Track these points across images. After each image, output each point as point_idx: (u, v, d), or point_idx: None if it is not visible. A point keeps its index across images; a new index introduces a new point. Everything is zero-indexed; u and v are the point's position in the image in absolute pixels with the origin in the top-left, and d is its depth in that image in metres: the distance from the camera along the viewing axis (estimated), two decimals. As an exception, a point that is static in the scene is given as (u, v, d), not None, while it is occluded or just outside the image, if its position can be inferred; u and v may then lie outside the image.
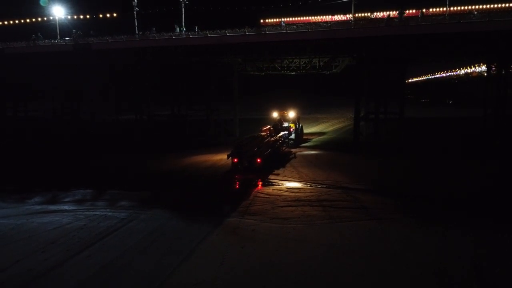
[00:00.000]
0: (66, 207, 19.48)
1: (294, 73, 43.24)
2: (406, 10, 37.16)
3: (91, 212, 18.43)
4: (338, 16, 42.22)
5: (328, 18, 42.50)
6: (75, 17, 48.44)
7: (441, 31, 30.03)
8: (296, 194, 20.67)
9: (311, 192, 20.95)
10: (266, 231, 15.58)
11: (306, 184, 22.82)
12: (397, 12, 32.86)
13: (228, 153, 26.57)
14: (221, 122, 48.37)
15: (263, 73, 44.18)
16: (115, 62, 41.27)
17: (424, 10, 39.27)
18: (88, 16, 48.64)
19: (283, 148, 32.78)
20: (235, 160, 26.05)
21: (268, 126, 34.35)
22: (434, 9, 39.62)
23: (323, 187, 21.98)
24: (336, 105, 73.33)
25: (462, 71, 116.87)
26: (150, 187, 23.59)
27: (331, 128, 52.94)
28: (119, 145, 38.44)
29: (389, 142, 34.45)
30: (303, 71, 41.38)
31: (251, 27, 36.29)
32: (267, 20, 44.69)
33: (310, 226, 16.00)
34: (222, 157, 31.25)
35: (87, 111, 46.25)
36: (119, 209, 18.98)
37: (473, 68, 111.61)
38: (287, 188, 21.84)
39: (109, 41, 39.39)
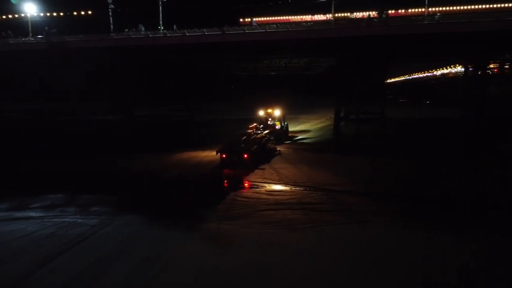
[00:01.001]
0: (33, 214, 18.31)
1: (274, 73, 42.80)
2: (385, 10, 37.08)
3: (60, 219, 17.33)
4: (318, 16, 41.94)
5: (308, 18, 42.14)
6: (48, 14, 46.82)
7: (422, 31, 29.97)
8: (277, 197, 20.02)
9: (292, 195, 20.34)
10: (245, 237, 14.89)
11: (287, 186, 22.21)
12: (377, 12, 32.69)
13: (217, 149, 27.72)
14: (205, 122, 47.61)
15: (245, 73, 43.57)
16: (92, 60, 39.91)
17: (403, 11, 39.32)
18: (62, 14, 47.07)
19: (269, 145, 33.66)
20: (224, 156, 27.35)
21: (255, 124, 35.66)
22: (413, 10, 39.67)
23: (304, 189, 21.41)
24: (319, 105, 73.11)
25: (439, 72, 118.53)
26: (126, 189, 22.61)
27: (314, 127, 52.63)
28: (96, 145, 37.06)
29: (370, 142, 34.30)
30: (283, 72, 40.89)
31: (230, 26, 35.65)
32: (246, 20, 44.03)
33: (291, 231, 15.38)
34: (202, 159, 30.60)
35: (69, 111, 44.82)
36: (91, 215, 17.96)
37: (450, 69, 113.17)
38: (266, 191, 21.15)
39: (84, 39, 38.05)
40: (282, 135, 38.53)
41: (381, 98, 35.88)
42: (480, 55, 33.75)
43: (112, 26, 39.42)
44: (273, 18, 43.04)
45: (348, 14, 40.42)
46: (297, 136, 43.48)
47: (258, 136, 32.02)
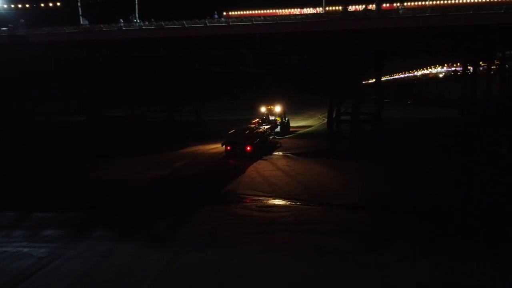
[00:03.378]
0: (-33, 241, 14.82)
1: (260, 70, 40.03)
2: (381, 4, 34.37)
3: (0, 248, 13.89)
4: (308, 9, 39.01)
5: (297, 11, 39.20)
6: (13, 6, 42.64)
7: (426, 24, 27.33)
8: (269, 214, 16.95)
9: (287, 211, 17.30)
10: (233, 271, 11.78)
11: (280, 199, 19.15)
12: (375, 3, 29.86)
13: (222, 142, 30.28)
14: (186, 123, 44.35)
15: (230, 71, 40.61)
16: (59, 56, 36.06)
17: (398, 4, 36.69)
18: (27, 6, 42.97)
19: (271, 139, 36.87)
20: (228, 148, 29.98)
21: (257, 119, 38.98)
22: (410, 3, 37.12)
23: (300, 204, 18.40)
24: (308, 105, 70.77)
25: (419, 73, 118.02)
26: (90, 203, 19.20)
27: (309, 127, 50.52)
28: (57, 151, 33.31)
29: (366, 144, 31.58)
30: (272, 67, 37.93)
31: (214, 18, 32.42)
32: (230, 13, 40.81)
33: (291, 263, 12.31)
34: (181, 165, 27.45)
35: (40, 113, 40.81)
36: (41, 241, 14.50)
37: (430, 70, 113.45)
38: (257, 207, 18.04)
39: (50, 32, 34.17)
40: (282, 130, 41.07)
41: (378, 97, 33.12)
42: (487, 50, 31.32)
43: (81, 19, 35.51)
44: (260, 11, 39.95)
45: (340, 7, 37.58)
46: (298, 131, 45.25)
47: (260, 130, 35.16)
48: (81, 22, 35.11)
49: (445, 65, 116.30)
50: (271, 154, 31.21)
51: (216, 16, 31.46)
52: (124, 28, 32.70)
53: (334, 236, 14.35)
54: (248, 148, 29.62)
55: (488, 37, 28.18)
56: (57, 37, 34.15)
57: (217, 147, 32.68)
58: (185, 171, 26.74)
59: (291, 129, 44.59)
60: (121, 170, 26.70)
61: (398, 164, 26.89)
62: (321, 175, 24.07)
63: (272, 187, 21.45)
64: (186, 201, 19.39)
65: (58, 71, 36.41)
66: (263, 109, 41.92)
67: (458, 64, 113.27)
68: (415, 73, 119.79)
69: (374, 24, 28.89)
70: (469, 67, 39.12)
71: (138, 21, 35.56)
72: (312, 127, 48.73)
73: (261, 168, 26.28)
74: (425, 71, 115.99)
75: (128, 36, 32.08)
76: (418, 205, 17.89)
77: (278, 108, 41.86)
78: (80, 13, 35.47)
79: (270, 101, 42.28)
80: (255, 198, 19.46)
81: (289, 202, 18.66)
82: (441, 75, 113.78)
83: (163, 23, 31.53)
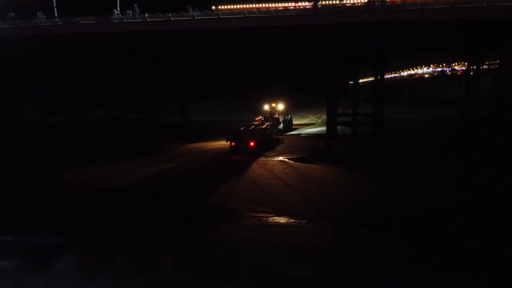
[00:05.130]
0: None
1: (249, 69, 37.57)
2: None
3: None
4: (303, 3, 36.37)
5: (291, 5, 36.55)
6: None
7: (434, 18, 25.05)
8: (270, 237, 14.26)
9: (290, 233, 14.65)
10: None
11: (282, 216, 16.50)
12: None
13: (226, 138, 30.84)
14: (171, 124, 41.46)
15: (219, 69, 38.08)
16: (33, 52, 32.94)
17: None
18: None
19: (273, 135, 38.13)
20: (233, 143, 30.44)
21: (260, 117, 39.51)
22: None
23: (305, 222, 15.80)
24: (305, 105, 68.83)
25: (405, 73, 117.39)
26: (58, 222, 16.28)
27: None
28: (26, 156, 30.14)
29: (366, 148, 29.30)
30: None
31: (202, 11, 29.61)
32: (220, 7, 37.95)
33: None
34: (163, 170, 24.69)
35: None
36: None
37: (416, 70, 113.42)
38: (256, 226, 15.36)
39: (20, 25, 30.98)
40: (285, 126, 42.91)
41: (379, 98, 30.75)
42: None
43: (56, 11, 32.20)
44: (252, 5, 37.15)
45: (337, 1, 35.14)
46: (300, 128, 46.45)
47: (263, 127, 36.34)
48: (55, 14, 31.84)
49: (431, 65, 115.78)
50: (273, 149, 32.39)
51: (190, 10, 28.71)
52: (104, 22, 29.76)
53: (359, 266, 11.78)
54: (252, 143, 30.31)
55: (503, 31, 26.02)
56: (31, 30, 31.05)
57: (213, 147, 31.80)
58: (169, 179, 24.03)
59: (293, 126, 46.15)
60: (96, 178, 23.80)
61: (401, 170, 24.55)
62: (322, 184, 21.57)
63: (272, 199, 18.85)
64: (173, 217, 16.62)
65: (30, 68, 33.27)
66: (266, 107, 43.46)
67: (444, 64, 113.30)
68: (402, 73, 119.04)
69: (377, 17, 26.46)
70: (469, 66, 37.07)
71: (118, 13, 32.57)
72: (312, 126, 48.56)
73: (258, 176, 23.63)
74: (411, 72, 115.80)
75: (104, 30, 29.12)
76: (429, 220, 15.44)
77: (281, 106, 43.64)
78: (55, 5, 32.18)
79: (269, 101, 43.73)
80: (253, 214, 16.76)
81: (293, 220, 16.04)
82: (426, 76, 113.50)
83: (146, 15, 28.64)
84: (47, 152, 30.94)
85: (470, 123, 33.14)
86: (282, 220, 16.04)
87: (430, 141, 33.08)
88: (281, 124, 42.31)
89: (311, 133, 42.57)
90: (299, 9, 30.15)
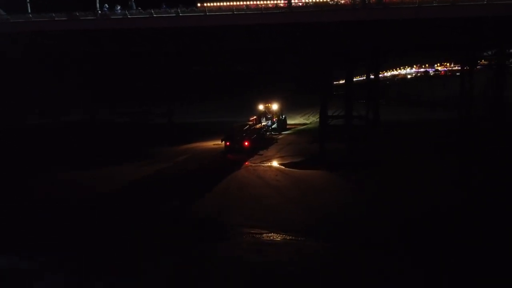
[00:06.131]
0: None
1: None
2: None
3: None
4: (294, 0, 34.87)
5: (280, 2, 35.03)
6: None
7: (431, 16, 23.80)
8: (267, 258, 12.60)
9: (289, 253, 13.03)
10: None
11: (279, 233, 14.86)
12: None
13: (221, 138, 31.83)
14: (158, 126, 39.80)
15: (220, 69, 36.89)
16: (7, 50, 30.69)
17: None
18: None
19: (268, 134, 39.83)
20: (228, 143, 31.35)
21: (255, 117, 40.22)
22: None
23: (304, 240, 14.23)
24: (309, 104, 67.99)
25: (389, 73, 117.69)
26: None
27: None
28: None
29: (361, 150, 27.95)
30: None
31: (187, 7, 27.80)
32: (205, 4, 36.19)
33: None
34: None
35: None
36: None
37: (399, 71, 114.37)
38: (248, 245, 13.64)
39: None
40: (279, 126, 43.49)
41: (374, 98, 29.39)
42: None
43: (29, 6, 29.87)
44: (241, 3, 35.53)
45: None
46: (295, 127, 47.39)
47: (257, 126, 37.52)
48: (29, 9, 29.53)
49: (414, 66, 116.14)
50: (266, 148, 32.95)
51: (164, 7, 27.05)
52: (81, 18, 27.66)
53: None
54: (246, 143, 30.95)
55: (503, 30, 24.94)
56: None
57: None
58: (154, 186, 22.39)
59: (287, 126, 46.78)
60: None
61: (400, 173, 23.34)
62: (317, 194, 20.09)
63: (266, 210, 17.27)
64: (156, 234, 14.90)
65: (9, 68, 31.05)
66: (261, 107, 44.55)
67: (427, 65, 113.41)
68: (385, 74, 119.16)
69: (373, 15, 25.03)
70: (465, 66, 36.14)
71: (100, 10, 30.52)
72: (305, 126, 48.73)
73: (250, 184, 22.08)
74: (395, 72, 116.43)
75: (77, 27, 27.10)
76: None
77: (275, 106, 44.61)
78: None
79: (265, 101, 44.86)
80: (246, 230, 15.11)
81: (290, 237, 14.44)
82: (409, 76, 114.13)
83: (127, 12, 26.70)
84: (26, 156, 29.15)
85: (468, 123, 32.23)
86: (279, 237, 14.40)
87: (427, 142, 32.07)
88: (275, 124, 43.09)
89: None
90: (291, 6, 28.44)
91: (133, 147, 34.82)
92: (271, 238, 14.34)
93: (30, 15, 28.13)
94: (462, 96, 33.78)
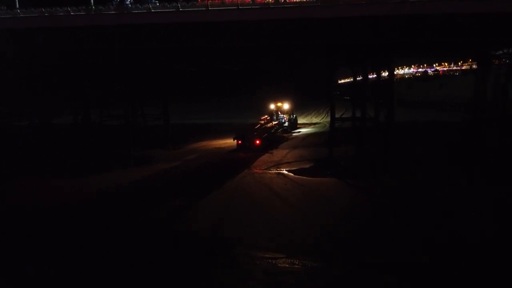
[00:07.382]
0: None
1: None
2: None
3: None
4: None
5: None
6: None
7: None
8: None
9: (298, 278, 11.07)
10: None
11: (293, 257, 12.84)
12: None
13: (233, 136, 32.94)
14: (152, 129, 37.67)
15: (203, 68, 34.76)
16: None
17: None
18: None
19: (279, 133, 40.15)
20: (239, 142, 32.39)
21: (266, 116, 41.30)
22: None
23: (315, 264, 12.28)
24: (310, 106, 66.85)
25: (386, 73, 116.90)
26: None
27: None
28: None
29: (373, 156, 26.17)
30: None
31: (187, 2, 25.81)
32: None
33: None
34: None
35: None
36: None
37: (397, 71, 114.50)
38: (265, 276, 11.63)
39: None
40: (290, 125, 44.15)
41: (389, 100, 27.43)
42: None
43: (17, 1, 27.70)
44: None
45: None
46: (305, 127, 47.59)
47: (268, 126, 38.10)
48: (17, 5, 27.42)
49: (413, 66, 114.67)
50: (276, 147, 33.41)
51: (152, 1, 25.26)
52: (73, 14, 25.69)
53: None
54: (257, 142, 31.87)
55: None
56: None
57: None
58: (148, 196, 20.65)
59: (298, 125, 47.45)
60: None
61: (411, 182, 21.80)
62: (329, 206, 18.33)
63: (278, 228, 15.38)
64: (152, 260, 12.97)
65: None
66: (272, 106, 44.46)
67: (426, 65, 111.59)
68: (382, 74, 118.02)
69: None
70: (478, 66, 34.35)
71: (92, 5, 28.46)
72: (314, 127, 48.74)
73: (257, 194, 20.26)
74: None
75: (74, 24, 25.14)
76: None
77: (286, 106, 44.70)
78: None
79: (275, 100, 44.73)
80: (258, 254, 13.14)
81: (311, 262, 12.45)
82: (407, 76, 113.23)
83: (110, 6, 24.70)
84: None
85: (482, 125, 30.52)
86: (297, 263, 12.37)
87: (440, 145, 30.43)
88: (286, 123, 43.52)
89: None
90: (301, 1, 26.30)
91: (134, 150, 32.42)
92: (289, 265, 12.36)
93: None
94: (475, 97, 31.87)
